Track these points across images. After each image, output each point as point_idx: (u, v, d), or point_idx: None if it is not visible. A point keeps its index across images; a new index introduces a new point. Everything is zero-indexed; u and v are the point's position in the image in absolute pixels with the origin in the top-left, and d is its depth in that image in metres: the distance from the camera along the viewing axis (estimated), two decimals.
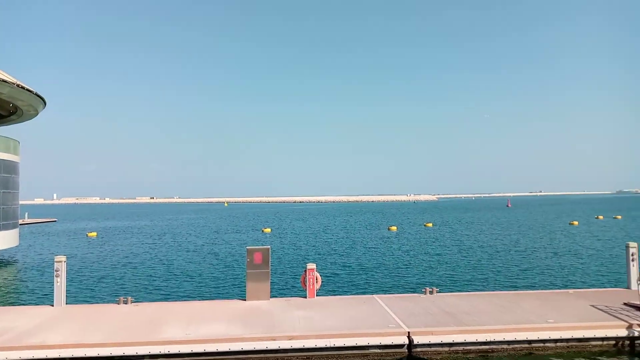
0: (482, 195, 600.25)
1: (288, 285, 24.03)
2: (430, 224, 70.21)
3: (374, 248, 40.03)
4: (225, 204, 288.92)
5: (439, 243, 43.46)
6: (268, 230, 62.60)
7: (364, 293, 21.78)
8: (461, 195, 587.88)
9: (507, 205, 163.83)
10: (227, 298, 20.66)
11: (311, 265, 18.36)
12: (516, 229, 60.09)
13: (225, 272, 28.55)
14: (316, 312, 16.06)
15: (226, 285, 24.55)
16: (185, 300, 19.54)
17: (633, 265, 19.24)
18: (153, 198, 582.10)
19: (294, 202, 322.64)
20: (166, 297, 21.71)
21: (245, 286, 19.53)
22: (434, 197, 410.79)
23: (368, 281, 24.94)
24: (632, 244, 19.63)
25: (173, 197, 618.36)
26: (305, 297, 18.21)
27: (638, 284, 17.92)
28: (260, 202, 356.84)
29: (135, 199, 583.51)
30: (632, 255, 19.37)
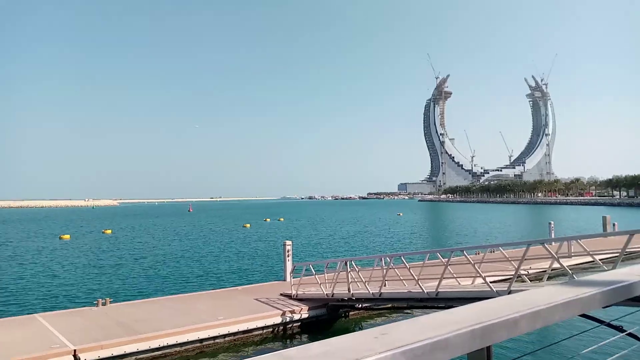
0: (166, 200, 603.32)
1: None
2: (109, 231, 68.10)
3: (37, 262, 36.56)
4: None
5: (117, 251, 42.50)
6: None
7: (23, 313, 19.42)
8: (144, 200, 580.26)
9: (189, 210, 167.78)
10: None
11: None
12: (195, 233, 62.35)
13: None
14: None
15: None
16: None
17: (288, 260, 22.51)
18: None
19: None
20: None
21: None
22: (115, 202, 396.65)
23: (28, 299, 22.97)
24: (288, 242, 22.80)
25: None
26: None
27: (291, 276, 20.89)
28: None
29: None
30: (288, 251, 22.56)
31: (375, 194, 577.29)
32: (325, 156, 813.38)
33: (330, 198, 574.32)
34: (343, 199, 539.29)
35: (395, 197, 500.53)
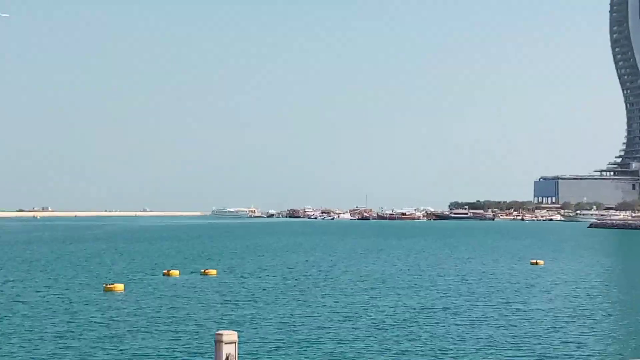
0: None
1: None
2: None
3: None
4: None
5: None
6: None
7: None
8: None
9: None
10: None
11: None
12: None
13: None
14: None
15: None
16: None
17: None
18: None
19: None
20: None
21: None
22: None
23: None
24: (228, 335, 14.84)
25: None
26: None
27: None
28: None
29: None
30: None
31: (467, 205, 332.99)
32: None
33: (320, 215, 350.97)
34: (363, 218, 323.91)
35: (525, 216, 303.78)
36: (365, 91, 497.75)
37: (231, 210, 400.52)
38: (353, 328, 25.74)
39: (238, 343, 13.75)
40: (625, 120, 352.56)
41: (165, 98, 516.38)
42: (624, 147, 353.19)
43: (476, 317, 28.64)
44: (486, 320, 27.83)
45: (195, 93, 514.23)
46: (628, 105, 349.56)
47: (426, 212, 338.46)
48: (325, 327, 25.91)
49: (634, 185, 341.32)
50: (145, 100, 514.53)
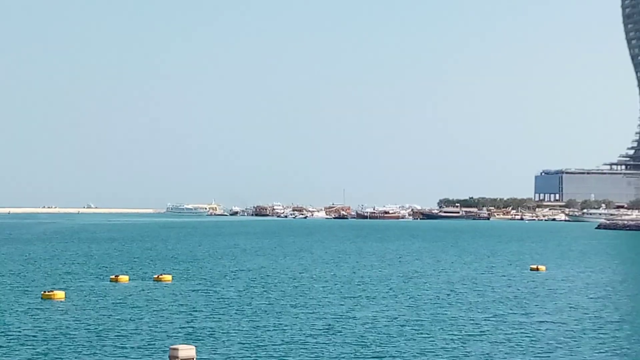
0: None
1: None
2: None
3: None
4: None
5: None
6: None
7: None
8: None
9: None
10: None
11: None
12: None
13: None
14: None
15: None
16: None
17: None
18: None
19: None
20: None
21: None
22: None
23: None
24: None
25: None
26: None
27: None
28: None
29: None
30: None
31: (459, 203, 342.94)
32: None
33: (291, 213, 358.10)
34: (340, 217, 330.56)
35: (524, 215, 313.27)
36: (342, 75, 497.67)
37: (189, 207, 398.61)
38: (328, 344, 25.90)
39: (196, 359, 13.74)
40: (639, 106, 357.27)
41: (112, 81, 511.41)
42: (638, 138, 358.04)
43: (469, 331, 29.04)
44: (480, 335, 28.24)
45: (148, 76, 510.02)
46: None
47: (412, 210, 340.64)
48: (296, 343, 26.05)
49: None
50: (89, 84, 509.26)
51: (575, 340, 27.15)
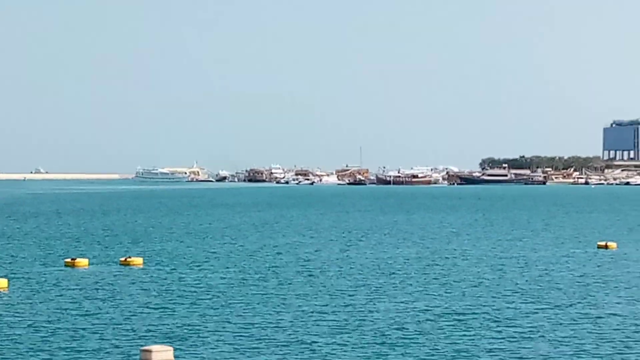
0: None
1: None
2: None
3: None
4: None
5: None
6: None
7: None
8: None
9: None
10: None
11: None
12: None
13: None
14: None
15: None
16: None
17: None
18: None
19: None
20: None
21: None
22: None
23: None
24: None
25: None
26: None
27: None
28: None
29: None
30: None
31: (507, 164, 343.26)
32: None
33: (293, 178, 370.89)
34: (356, 183, 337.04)
35: (590, 178, 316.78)
36: (360, 16, 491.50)
37: (164, 171, 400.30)
38: (342, 344, 25.73)
39: None
40: None
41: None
42: None
43: (522, 327, 28.84)
44: (537, 331, 28.00)
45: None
46: None
47: (448, 173, 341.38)
48: (301, 343, 25.89)
49: None
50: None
51: None
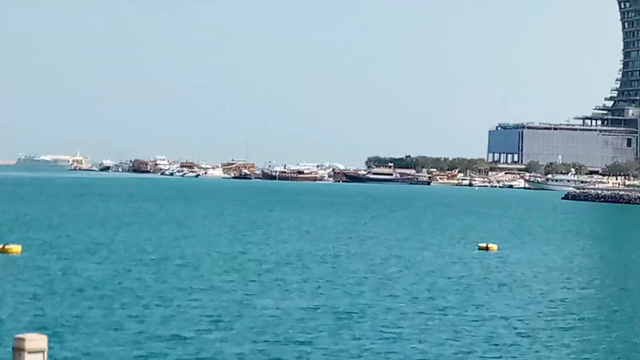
0: None
1: None
2: None
3: None
4: None
5: None
6: None
7: None
8: None
9: None
10: None
11: None
12: None
13: None
14: None
15: None
16: None
17: None
18: None
19: None
20: None
21: None
22: None
23: None
24: (31, 339, 13.97)
25: None
26: None
27: None
28: None
29: None
30: None
31: (393, 163, 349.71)
32: None
33: (178, 170, 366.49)
34: (241, 177, 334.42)
35: (474, 180, 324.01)
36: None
37: (47, 158, 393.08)
38: (221, 339, 25.81)
39: (48, 352, 13.51)
40: (620, 47, 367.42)
41: None
42: (617, 87, 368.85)
43: (400, 327, 29.38)
44: (418, 333, 28.53)
45: None
46: (626, 25, 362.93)
47: (334, 170, 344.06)
48: (182, 336, 25.92)
49: (629, 140, 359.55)
50: None
51: (536, 339, 27.81)
